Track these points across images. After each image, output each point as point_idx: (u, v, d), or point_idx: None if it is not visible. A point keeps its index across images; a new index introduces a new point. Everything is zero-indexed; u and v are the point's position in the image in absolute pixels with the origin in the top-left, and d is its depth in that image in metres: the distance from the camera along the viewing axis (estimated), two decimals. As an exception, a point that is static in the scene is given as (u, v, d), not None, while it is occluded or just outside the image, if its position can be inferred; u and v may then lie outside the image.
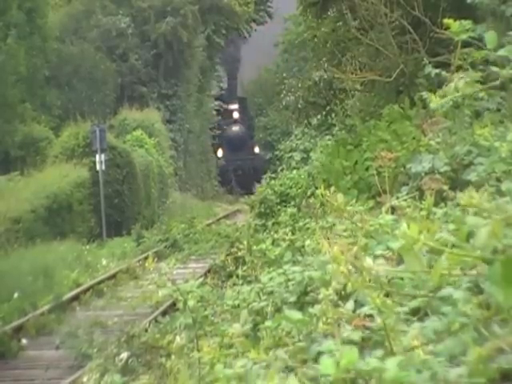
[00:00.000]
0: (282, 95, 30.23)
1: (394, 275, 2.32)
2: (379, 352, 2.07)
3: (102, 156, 25.23)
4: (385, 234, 3.45)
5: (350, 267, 2.30)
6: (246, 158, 50.61)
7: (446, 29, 2.90)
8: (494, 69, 2.63)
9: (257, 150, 52.27)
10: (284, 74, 36.80)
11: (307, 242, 6.73)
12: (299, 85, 25.86)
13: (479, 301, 2.08)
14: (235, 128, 52.90)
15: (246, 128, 53.54)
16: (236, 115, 53.32)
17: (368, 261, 2.25)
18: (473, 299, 2.11)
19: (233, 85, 55.32)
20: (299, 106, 25.23)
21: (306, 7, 16.84)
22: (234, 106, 53.53)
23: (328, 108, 21.95)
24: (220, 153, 52.11)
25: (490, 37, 2.56)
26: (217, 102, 50.74)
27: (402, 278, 2.38)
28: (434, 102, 2.69)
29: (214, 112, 49.92)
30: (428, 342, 2.06)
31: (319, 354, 2.20)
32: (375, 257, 3.17)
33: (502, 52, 2.63)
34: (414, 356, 2.02)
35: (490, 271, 1.98)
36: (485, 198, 2.48)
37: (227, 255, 15.59)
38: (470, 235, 2.18)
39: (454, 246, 2.16)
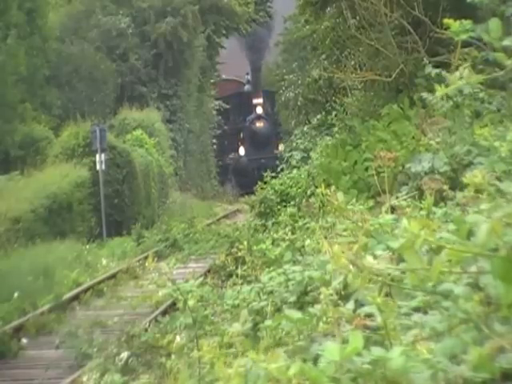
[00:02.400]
0: (281, 91, 30.23)
1: (394, 274, 2.32)
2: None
3: (102, 156, 25.22)
4: (385, 234, 3.45)
5: (351, 266, 2.30)
6: (270, 157, 45.99)
7: (445, 29, 2.88)
8: (502, 57, 2.54)
9: (281, 147, 46.66)
10: (284, 71, 36.77)
11: (307, 242, 6.74)
12: (299, 81, 25.89)
13: (480, 297, 2.08)
14: (259, 124, 49.67)
15: (270, 124, 49.62)
16: (260, 110, 49.77)
17: (368, 259, 2.25)
18: (473, 296, 2.11)
19: (257, 77, 51.41)
20: (299, 103, 25.26)
21: (305, 6, 16.83)
22: (258, 101, 49.83)
23: (328, 106, 21.96)
24: (242, 150, 49.56)
25: (494, 25, 2.48)
26: (217, 102, 50.12)
27: (402, 278, 2.38)
28: (440, 91, 2.65)
29: (214, 112, 49.24)
30: (428, 338, 2.06)
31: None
32: (375, 256, 3.17)
33: (507, 42, 2.54)
34: (414, 354, 2.02)
35: (491, 267, 1.99)
36: (488, 178, 2.47)
37: (227, 255, 15.58)
38: (470, 233, 2.18)
39: (454, 243, 2.16)
